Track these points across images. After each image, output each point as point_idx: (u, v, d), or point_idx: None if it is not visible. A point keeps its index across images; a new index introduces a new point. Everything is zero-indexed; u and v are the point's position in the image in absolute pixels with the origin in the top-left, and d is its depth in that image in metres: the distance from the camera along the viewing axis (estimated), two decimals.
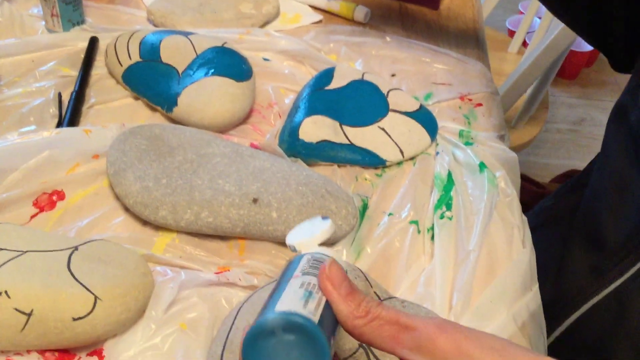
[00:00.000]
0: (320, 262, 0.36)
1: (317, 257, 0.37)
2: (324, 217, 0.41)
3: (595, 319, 0.55)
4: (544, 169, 1.83)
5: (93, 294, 0.44)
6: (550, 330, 0.56)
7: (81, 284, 0.45)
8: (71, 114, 0.63)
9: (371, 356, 0.44)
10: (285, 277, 0.35)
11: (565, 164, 1.83)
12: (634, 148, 0.53)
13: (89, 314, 0.44)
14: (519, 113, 1.36)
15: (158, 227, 0.55)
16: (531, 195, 1.28)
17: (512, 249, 0.57)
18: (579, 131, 2.00)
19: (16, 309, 0.42)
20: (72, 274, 0.45)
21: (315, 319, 0.31)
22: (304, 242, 0.39)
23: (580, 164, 1.61)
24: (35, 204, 0.55)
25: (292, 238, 0.40)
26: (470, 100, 0.73)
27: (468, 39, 0.85)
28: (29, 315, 0.42)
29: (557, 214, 0.70)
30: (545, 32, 1.30)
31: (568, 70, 2.21)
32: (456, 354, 0.31)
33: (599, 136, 0.62)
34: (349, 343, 0.44)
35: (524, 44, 1.64)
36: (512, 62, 1.52)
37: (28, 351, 0.44)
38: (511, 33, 1.94)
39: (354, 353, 0.44)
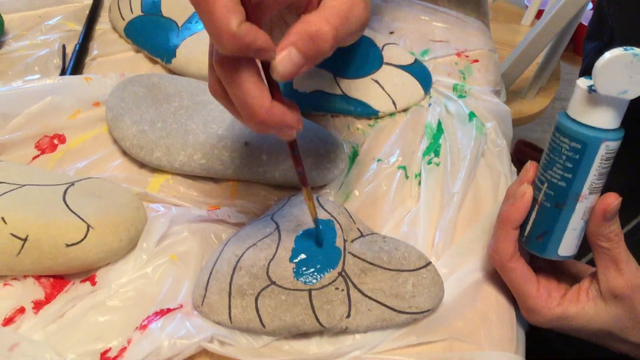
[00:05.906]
0: None
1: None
2: None
3: None
4: None
5: (86, 222, 0.46)
6: None
7: (75, 213, 0.47)
8: (74, 65, 0.65)
9: (350, 284, 0.45)
10: None
11: None
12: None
13: (81, 240, 0.46)
14: (529, 83, 1.36)
15: (154, 170, 0.57)
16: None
17: (498, 195, 0.58)
18: None
19: (12, 234, 0.45)
20: (66, 205, 0.47)
21: None
22: None
23: None
24: (37, 146, 0.58)
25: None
26: (467, 56, 0.74)
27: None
28: (24, 240, 0.45)
29: None
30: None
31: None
32: None
33: None
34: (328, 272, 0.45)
35: (538, 16, 1.63)
36: (525, 35, 1.51)
37: (24, 276, 0.47)
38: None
39: (334, 281, 0.45)
